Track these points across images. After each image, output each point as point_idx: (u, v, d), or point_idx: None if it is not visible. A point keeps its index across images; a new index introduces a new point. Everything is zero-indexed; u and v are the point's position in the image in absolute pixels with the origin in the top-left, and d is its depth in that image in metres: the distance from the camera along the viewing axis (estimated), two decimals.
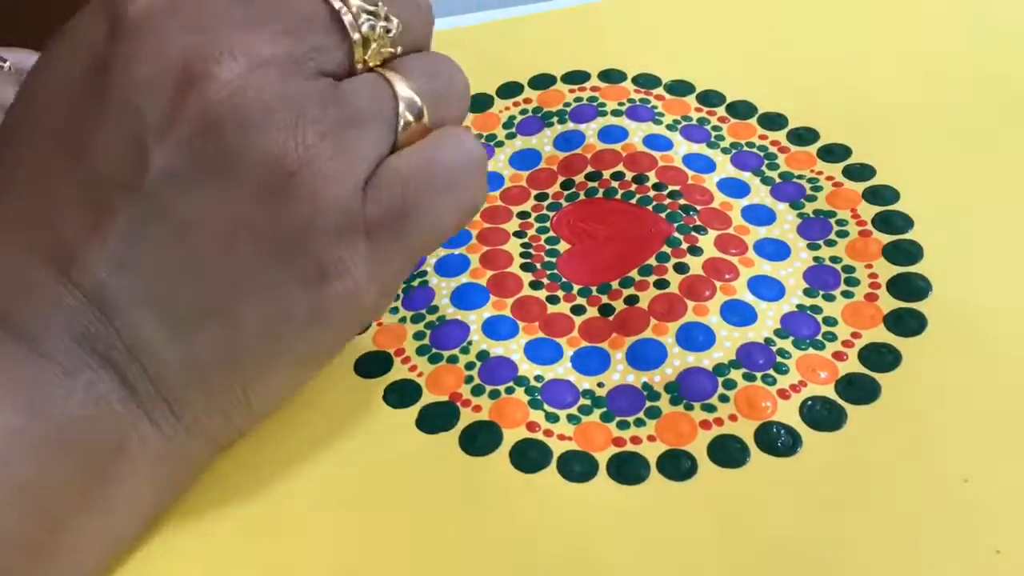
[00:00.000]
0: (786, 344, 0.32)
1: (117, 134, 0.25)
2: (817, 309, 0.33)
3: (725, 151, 0.38)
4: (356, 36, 0.26)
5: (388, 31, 0.27)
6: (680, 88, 0.41)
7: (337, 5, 0.26)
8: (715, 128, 0.39)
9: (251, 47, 0.25)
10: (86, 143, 0.25)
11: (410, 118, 0.27)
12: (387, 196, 0.26)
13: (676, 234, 0.35)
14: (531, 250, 0.35)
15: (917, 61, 0.41)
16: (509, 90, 0.42)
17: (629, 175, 0.37)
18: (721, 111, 0.40)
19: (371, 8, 0.26)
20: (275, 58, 0.25)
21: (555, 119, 0.40)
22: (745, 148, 0.38)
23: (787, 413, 0.30)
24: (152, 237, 0.25)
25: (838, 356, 0.31)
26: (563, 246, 0.35)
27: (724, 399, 0.30)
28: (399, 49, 0.27)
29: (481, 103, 0.41)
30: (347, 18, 0.26)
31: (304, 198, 0.25)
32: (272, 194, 0.25)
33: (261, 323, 0.26)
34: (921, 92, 0.40)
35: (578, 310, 0.33)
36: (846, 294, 0.33)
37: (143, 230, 0.25)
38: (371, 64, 0.27)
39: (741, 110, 0.40)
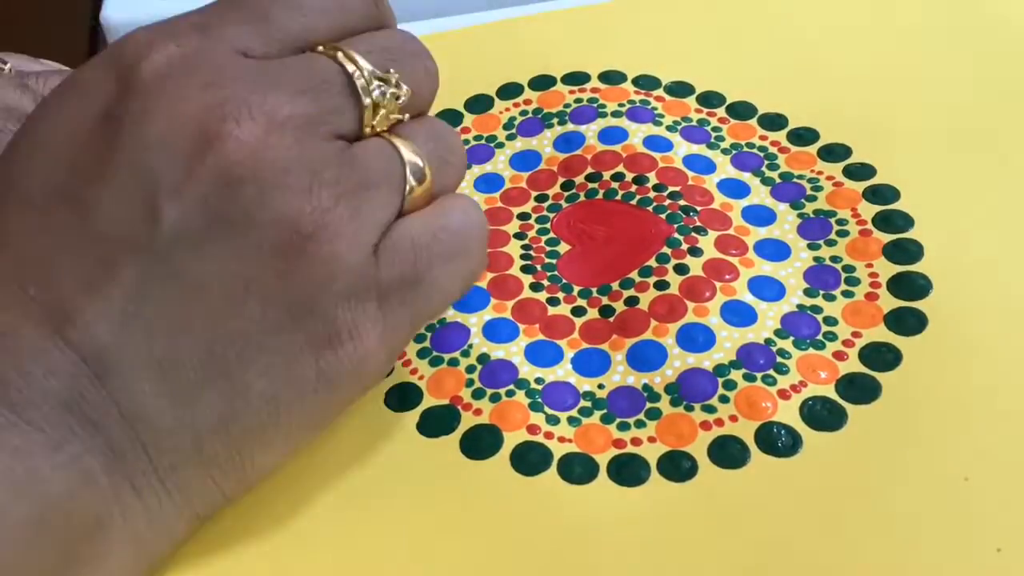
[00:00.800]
0: (786, 344, 0.32)
1: (126, 191, 0.24)
2: (817, 309, 0.33)
3: (725, 152, 0.38)
4: (368, 101, 0.26)
5: (398, 97, 0.27)
6: (680, 89, 0.41)
7: (351, 69, 0.26)
8: (715, 129, 0.39)
9: (268, 107, 0.25)
10: (92, 199, 0.24)
11: (414, 183, 0.27)
12: (400, 261, 0.26)
13: (676, 235, 0.35)
14: (531, 252, 0.35)
15: (917, 61, 0.41)
16: (509, 91, 0.42)
17: (629, 176, 0.37)
18: (721, 112, 0.40)
19: (383, 75, 0.27)
20: (292, 119, 0.25)
21: (555, 120, 0.40)
22: (745, 149, 0.38)
23: (787, 413, 0.30)
24: (159, 296, 0.24)
25: (838, 356, 0.31)
26: (563, 247, 0.35)
27: (724, 400, 0.30)
28: (406, 116, 0.28)
29: (481, 104, 0.41)
30: (360, 82, 0.26)
31: (318, 261, 0.25)
32: (286, 256, 0.25)
33: (267, 387, 0.25)
34: (921, 92, 0.40)
35: (578, 312, 0.33)
36: (846, 294, 0.33)
37: (150, 289, 0.24)
38: (378, 129, 0.27)
39: (741, 111, 0.40)
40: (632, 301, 0.33)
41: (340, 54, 0.27)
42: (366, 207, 0.26)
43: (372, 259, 0.26)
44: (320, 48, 0.27)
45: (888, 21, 0.43)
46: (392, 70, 0.27)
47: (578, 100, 0.41)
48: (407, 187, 0.27)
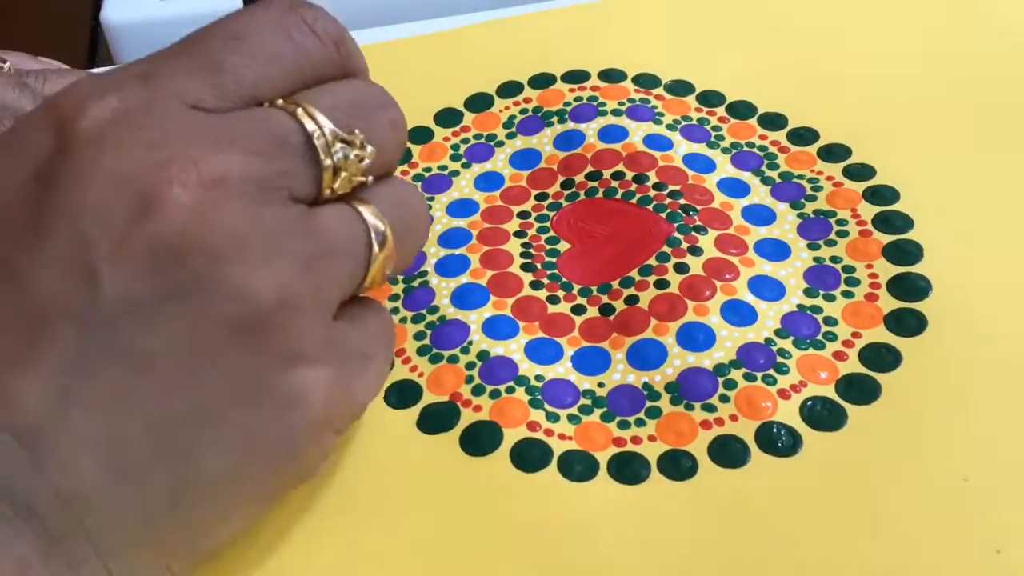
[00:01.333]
0: (786, 344, 0.32)
1: (62, 260, 0.22)
2: (817, 309, 0.33)
3: (725, 151, 0.38)
4: (328, 163, 0.25)
5: (361, 159, 0.25)
6: (680, 88, 0.41)
7: (311, 128, 0.24)
8: (715, 128, 0.39)
9: (218, 169, 0.23)
10: (24, 268, 0.22)
11: (377, 250, 0.26)
12: (356, 340, 0.26)
13: (676, 234, 0.35)
14: (531, 250, 0.35)
15: (917, 61, 0.41)
16: (509, 89, 0.42)
17: (629, 175, 0.37)
18: (721, 111, 0.40)
19: (346, 136, 0.25)
20: (244, 182, 0.23)
21: (555, 119, 0.40)
22: (745, 148, 0.38)
23: (788, 413, 0.30)
24: (102, 370, 0.22)
25: (838, 356, 0.31)
26: (563, 246, 0.35)
27: (724, 399, 0.30)
28: (370, 178, 0.26)
29: (481, 103, 0.41)
30: (320, 143, 0.24)
31: (279, 333, 0.23)
32: (242, 331, 0.23)
33: (224, 462, 0.24)
34: (921, 92, 0.40)
35: (578, 310, 0.33)
36: (846, 294, 0.33)
37: (91, 363, 0.22)
38: (339, 192, 0.25)
39: (741, 110, 0.40)
40: (632, 300, 0.33)
41: (300, 110, 0.24)
42: (329, 277, 0.25)
43: (332, 326, 0.25)
44: (279, 102, 0.25)
45: (888, 21, 0.43)
46: (356, 130, 0.25)
47: (578, 98, 0.41)
48: (371, 255, 0.25)
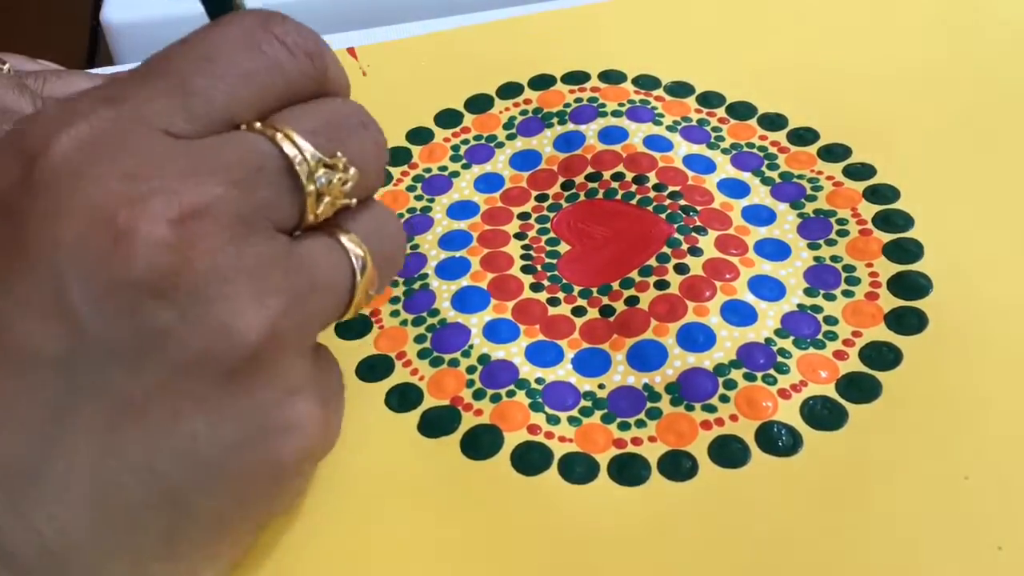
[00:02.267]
0: (787, 344, 0.32)
1: (39, 300, 0.21)
2: (818, 308, 0.33)
3: (725, 152, 0.38)
4: (311, 188, 0.23)
5: (345, 182, 0.24)
6: (680, 89, 0.41)
7: (291, 153, 0.23)
8: (715, 129, 0.39)
9: (197, 200, 0.21)
10: None
11: (359, 279, 0.25)
12: (329, 371, 0.26)
13: (676, 235, 0.35)
14: (531, 252, 0.35)
15: (917, 60, 0.41)
16: (509, 90, 0.42)
17: (629, 176, 0.37)
18: (721, 112, 0.40)
19: (328, 161, 0.23)
20: (225, 214, 0.22)
21: (555, 120, 0.40)
22: (745, 149, 0.38)
23: (788, 413, 0.30)
24: (85, 417, 0.21)
25: (839, 355, 0.31)
26: (563, 247, 0.35)
27: (725, 399, 0.30)
28: (353, 201, 0.25)
29: (481, 104, 0.41)
30: (302, 168, 0.23)
31: (267, 371, 0.23)
32: (232, 369, 0.22)
33: (215, 502, 0.23)
34: (921, 91, 0.40)
35: (579, 312, 0.33)
36: (847, 293, 0.33)
37: (74, 409, 0.21)
38: (322, 218, 0.24)
39: (741, 111, 0.40)
40: (632, 301, 0.33)
41: (279, 134, 0.23)
42: (313, 313, 0.24)
43: (315, 359, 0.25)
44: (256, 125, 0.23)
45: (888, 21, 0.43)
46: (339, 152, 0.24)
47: (578, 100, 0.41)
48: (355, 285, 0.25)
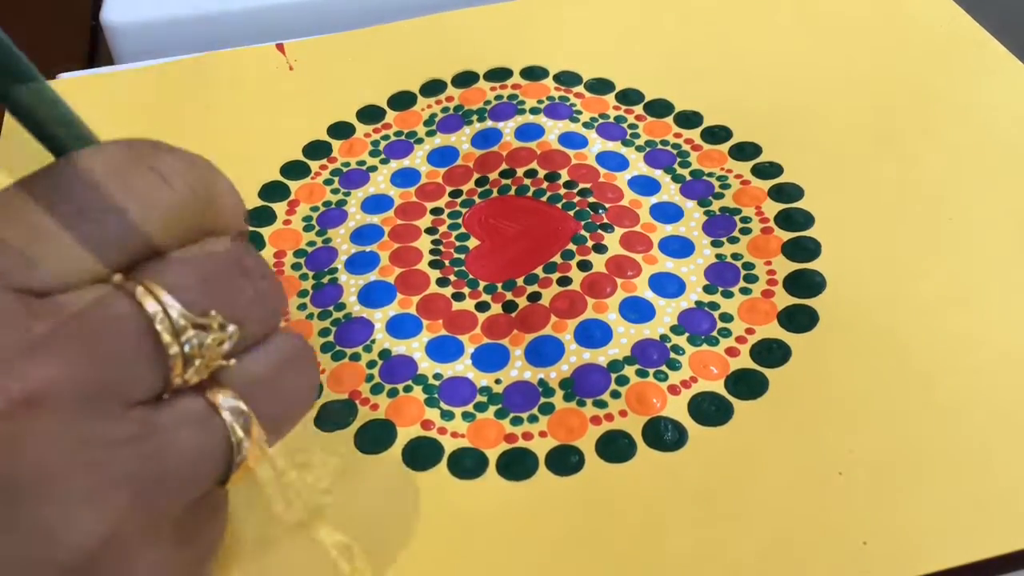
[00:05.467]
0: (681, 340, 0.32)
1: None
2: (715, 306, 0.33)
3: (639, 149, 0.39)
4: (175, 351, 0.20)
5: (221, 342, 0.20)
6: (600, 86, 0.42)
7: (152, 310, 0.19)
8: (631, 126, 0.40)
9: (31, 386, 0.18)
10: None
11: (244, 441, 0.21)
12: (203, 533, 0.22)
13: (583, 232, 0.35)
14: (441, 247, 0.36)
15: (835, 62, 0.42)
16: (432, 88, 0.42)
17: (542, 173, 0.38)
18: (639, 109, 0.41)
19: (199, 320, 0.20)
20: (64, 398, 0.18)
21: (475, 117, 0.41)
22: (659, 146, 0.39)
23: (676, 409, 0.30)
24: None
25: (731, 352, 0.32)
26: (473, 243, 0.36)
27: (616, 395, 0.31)
28: (232, 362, 0.21)
29: (404, 100, 0.42)
30: (163, 326, 0.19)
31: (109, 572, 0.19)
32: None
33: None
34: (836, 92, 0.40)
35: (482, 307, 0.34)
36: (744, 291, 0.34)
37: None
38: (191, 382, 0.20)
39: (658, 108, 0.40)
40: (535, 297, 0.34)
41: (140, 288, 0.20)
42: (169, 502, 0.20)
43: (173, 544, 0.21)
44: (116, 278, 0.20)
45: (809, 23, 0.44)
46: (214, 310, 0.20)
47: (499, 97, 0.41)
48: (232, 449, 0.21)
